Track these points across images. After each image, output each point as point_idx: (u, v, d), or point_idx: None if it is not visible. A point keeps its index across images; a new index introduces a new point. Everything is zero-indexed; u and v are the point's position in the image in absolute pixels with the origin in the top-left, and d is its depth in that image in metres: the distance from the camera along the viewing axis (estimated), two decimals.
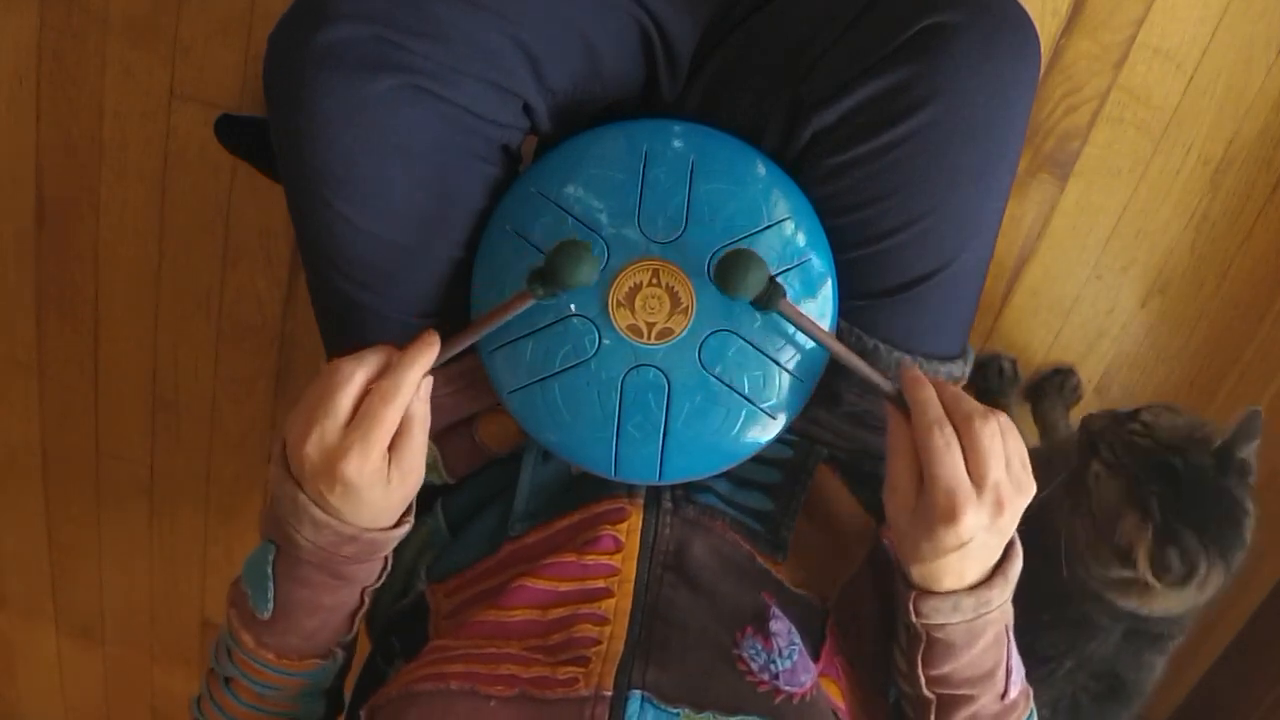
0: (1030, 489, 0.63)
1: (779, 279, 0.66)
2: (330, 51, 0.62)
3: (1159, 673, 1.05)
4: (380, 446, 0.62)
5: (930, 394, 0.63)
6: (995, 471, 0.60)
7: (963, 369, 0.78)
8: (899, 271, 0.71)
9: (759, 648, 0.64)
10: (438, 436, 0.77)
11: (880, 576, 0.80)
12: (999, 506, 0.60)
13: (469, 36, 0.65)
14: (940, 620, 0.64)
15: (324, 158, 0.65)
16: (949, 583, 0.63)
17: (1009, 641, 0.68)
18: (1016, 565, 0.65)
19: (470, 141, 0.68)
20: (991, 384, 1.20)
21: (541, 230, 0.69)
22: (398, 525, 0.67)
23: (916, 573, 0.63)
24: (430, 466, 0.78)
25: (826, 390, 0.75)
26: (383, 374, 0.63)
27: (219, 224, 1.25)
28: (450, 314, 0.72)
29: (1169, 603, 0.93)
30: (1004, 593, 0.64)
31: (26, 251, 1.30)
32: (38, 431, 1.46)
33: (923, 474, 0.62)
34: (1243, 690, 1.37)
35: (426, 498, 0.81)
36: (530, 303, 0.65)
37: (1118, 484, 0.93)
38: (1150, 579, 0.89)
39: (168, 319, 1.33)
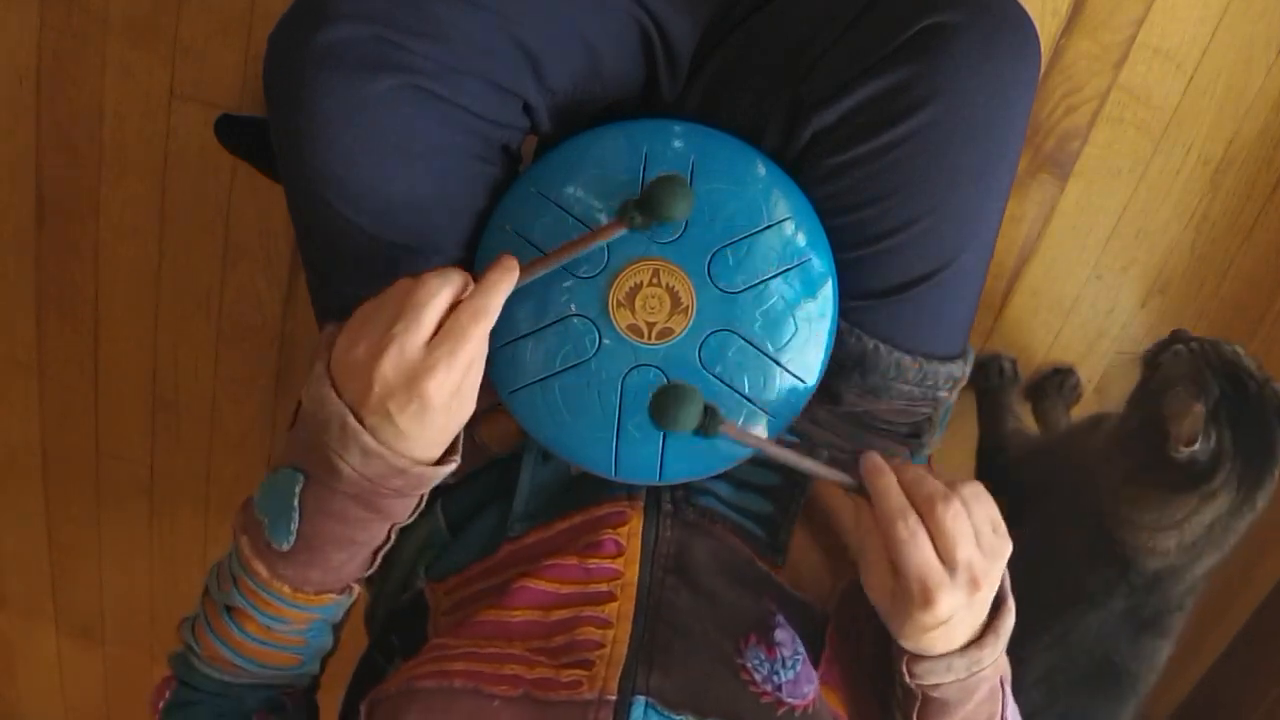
0: (1005, 549, 0.63)
1: (715, 409, 0.65)
2: (330, 51, 0.62)
3: (1163, 660, 1.04)
4: (466, 365, 0.59)
5: (889, 482, 0.63)
6: (964, 551, 0.60)
7: (963, 369, 0.78)
8: (899, 271, 0.71)
9: (762, 657, 0.64)
10: None
11: None
12: (974, 584, 0.60)
13: (469, 36, 0.65)
14: (934, 680, 0.64)
15: (324, 158, 0.65)
16: (939, 649, 0.63)
17: (1004, 694, 0.69)
18: (1008, 622, 0.65)
19: (470, 141, 0.68)
20: (992, 383, 1.20)
21: (541, 230, 0.69)
22: (442, 462, 0.64)
23: (906, 644, 0.64)
24: None
25: (827, 390, 0.75)
26: (471, 292, 0.60)
27: (219, 224, 1.25)
28: None
29: (1166, 514, 0.93)
30: (995, 650, 0.64)
31: (26, 251, 1.30)
32: (38, 431, 1.46)
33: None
34: (1245, 687, 1.37)
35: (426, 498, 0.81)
36: (622, 231, 0.65)
37: (1191, 364, 0.94)
38: (1179, 448, 0.89)
39: (168, 319, 1.33)
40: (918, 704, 0.65)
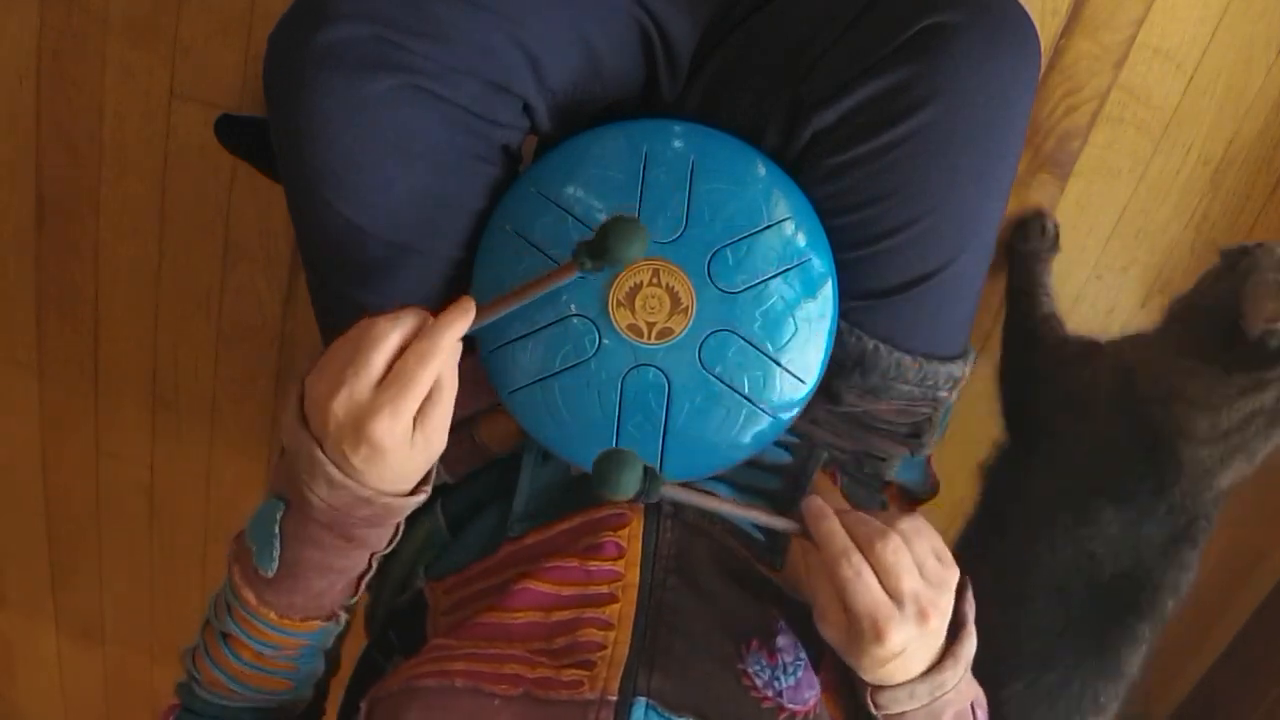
0: (951, 578, 0.64)
1: (654, 470, 0.63)
2: (330, 51, 0.62)
3: (1188, 580, 0.98)
4: (413, 409, 0.60)
5: (831, 526, 0.64)
6: (908, 583, 0.62)
7: (963, 369, 0.78)
8: (899, 271, 0.71)
9: (764, 663, 0.65)
10: None
11: None
12: (923, 614, 0.62)
13: (469, 36, 0.65)
14: (899, 709, 0.65)
15: (324, 158, 0.65)
16: (899, 678, 0.65)
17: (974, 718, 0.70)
18: (968, 646, 0.67)
19: (470, 141, 0.68)
20: (1031, 246, 1.14)
21: (541, 230, 0.69)
22: (414, 493, 0.65)
23: (868, 678, 0.65)
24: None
25: (827, 390, 0.75)
26: (419, 335, 0.61)
27: (219, 224, 1.25)
28: None
29: (1214, 391, 0.91)
30: (956, 674, 0.66)
31: (26, 251, 1.30)
32: (38, 431, 1.46)
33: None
34: (1245, 688, 1.37)
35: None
36: (575, 275, 0.64)
37: None
38: (1258, 323, 0.88)
39: (168, 319, 1.33)
40: None
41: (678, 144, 0.70)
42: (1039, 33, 0.68)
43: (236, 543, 0.71)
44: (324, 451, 0.61)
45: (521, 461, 0.77)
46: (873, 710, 0.65)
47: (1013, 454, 1.06)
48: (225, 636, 0.71)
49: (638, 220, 0.63)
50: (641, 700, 0.60)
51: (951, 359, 0.76)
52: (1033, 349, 1.11)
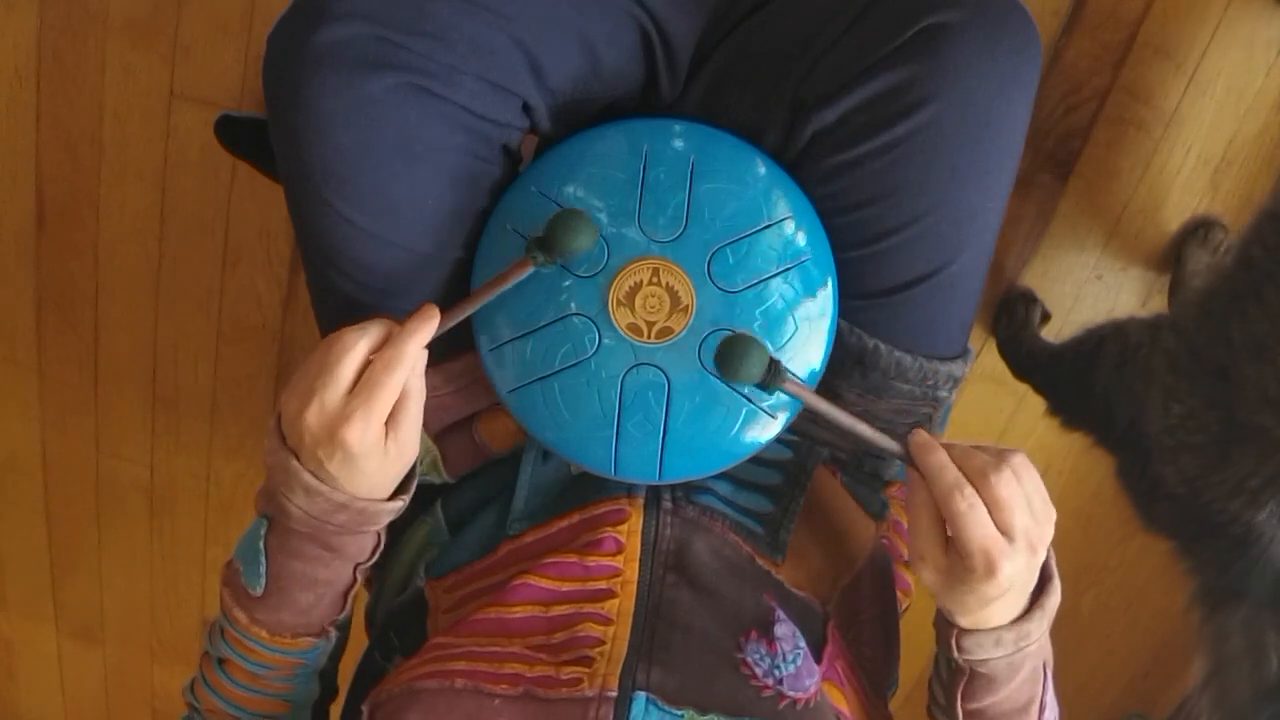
0: (1053, 515, 0.64)
1: (779, 363, 0.66)
2: (329, 51, 0.62)
3: None
4: (382, 413, 0.62)
5: (941, 459, 0.63)
6: (1020, 518, 0.61)
7: (963, 369, 0.78)
8: (899, 271, 0.71)
9: (763, 652, 0.65)
10: (438, 436, 0.77)
11: (880, 579, 0.80)
12: (1032, 549, 0.62)
13: (468, 36, 0.65)
14: (983, 655, 0.65)
15: (324, 158, 0.65)
16: (995, 621, 0.65)
17: (1046, 679, 0.69)
18: (1053, 599, 0.66)
19: (470, 141, 0.68)
20: (1014, 328, 1.15)
21: None
22: (392, 499, 0.67)
23: (964, 621, 0.65)
24: (430, 466, 0.78)
25: (826, 389, 0.75)
26: (386, 344, 0.63)
27: (219, 224, 1.25)
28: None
29: None
30: (1041, 625, 0.65)
31: (26, 251, 1.30)
32: (38, 431, 1.46)
33: (948, 536, 0.63)
34: None
35: (426, 497, 0.81)
36: (530, 270, 0.66)
37: None
38: None
39: (168, 319, 1.33)
40: (964, 680, 0.67)
41: (678, 143, 0.70)
42: (1039, 33, 0.68)
43: (227, 568, 0.72)
44: (300, 462, 0.63)
45: (521, 460, 0.77)
46: (955, 655, 0.65)
47: None
48: (221, 662, 0.72)
49: (583, 213, 0.66)
50: (641, 695, 0.61)
51: (951, 359, 0.77)
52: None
